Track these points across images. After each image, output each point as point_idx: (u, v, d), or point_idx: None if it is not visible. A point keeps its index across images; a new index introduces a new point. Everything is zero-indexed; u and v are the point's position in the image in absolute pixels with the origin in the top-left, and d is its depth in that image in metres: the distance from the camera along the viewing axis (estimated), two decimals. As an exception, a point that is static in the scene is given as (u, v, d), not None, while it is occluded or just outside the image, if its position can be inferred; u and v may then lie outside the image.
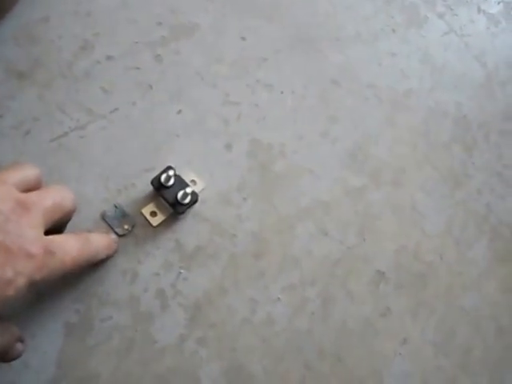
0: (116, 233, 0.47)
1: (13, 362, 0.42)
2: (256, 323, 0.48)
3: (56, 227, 0.39)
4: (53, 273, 0.36)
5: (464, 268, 0.53)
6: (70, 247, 0.37)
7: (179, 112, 0.51)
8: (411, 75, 0.59)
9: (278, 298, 0.49)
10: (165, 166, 0.47)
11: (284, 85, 0.55)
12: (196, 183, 0.49)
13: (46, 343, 0.44)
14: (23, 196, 0.36)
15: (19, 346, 0.39)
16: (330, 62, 0.57)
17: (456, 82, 0.60)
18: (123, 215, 0.47)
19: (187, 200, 0.46)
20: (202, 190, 0.49)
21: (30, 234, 0.35)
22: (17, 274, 0.33)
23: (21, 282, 0.33)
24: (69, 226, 0.43)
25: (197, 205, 0.48)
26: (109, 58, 0.51)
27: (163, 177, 0.46)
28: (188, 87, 0.52)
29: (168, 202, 0.46)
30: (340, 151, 0.54)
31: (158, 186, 0.46)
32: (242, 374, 0.46)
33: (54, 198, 0.38)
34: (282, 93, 0.55)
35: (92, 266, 0.44)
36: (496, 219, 0.56)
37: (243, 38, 0.56)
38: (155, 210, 0.48)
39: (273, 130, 0.53)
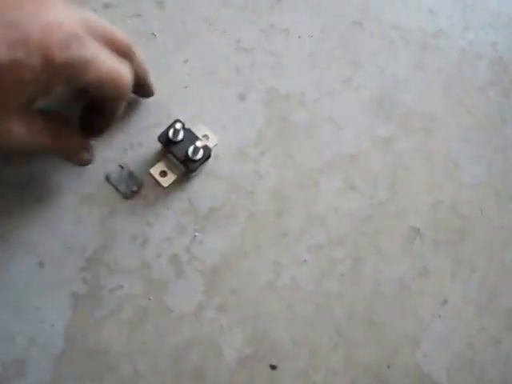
0: (122, 195, 0.43)
1: (18, 338, 0.40)
2: (280, 288, 0.44)
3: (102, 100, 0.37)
4: (75, 66, 0.32)
5: (506, 221, 0.49)
6: (103, 57, 0.34)
7: (186, 61, 0.47)
8: (441, 14, 0.54)
9: (304, 260, 0.45)
10: (172, 121, 0.42)
11: (301, 29, 0.50)
12: (208, 138, 0.45)
13: (52, 316, 0.41)
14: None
15: (84, 155, 0.40)
16: (351, 2, 0.52)
17: (491, 20, 0.55)
18: (130, 176, 0.43)
19: (199, 155, 0.42)
20: (216, 145, 0.45)
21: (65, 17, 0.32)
22: (28, 55, 0.30)
23: (34, 61, 0.30)
24: (73, 188, 0.39)
25: (210, 161, 0.44)
26: (106, 5, 0.47)
27: (171, 131, 0.42)
28: (195, 34, 0.48)
29: (178, 159, 0.42)
30: (364, 99, 0.50)
31: (166, 142, 0.42)
32: (267, 343, 0.43)
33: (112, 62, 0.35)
34: (299, 37, 0.50)
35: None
36: (539, 167, 0.51)
37: (253, -21, 0.51)
38: (165, 169, 0.44)
39: (290, 78, 0.49)
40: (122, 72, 0.36)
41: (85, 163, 0.40)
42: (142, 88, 0.42)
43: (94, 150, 0.41)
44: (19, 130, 0.33)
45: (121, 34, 0.37)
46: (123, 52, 0.37)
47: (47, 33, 0.31)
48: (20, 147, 0.34)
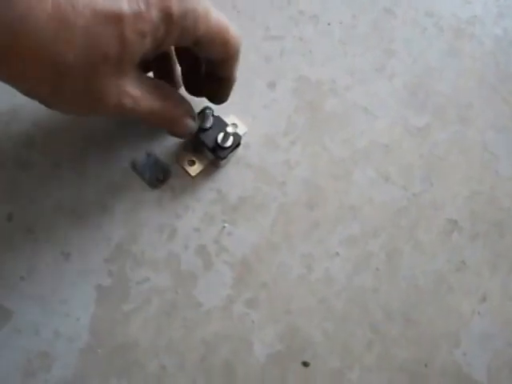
0: (149, 184, 0.41)
1: (43, 331, 0.38)
2: (312, 281, 0.42)
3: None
4: (189, 18, 0.31)
5: (546, 214, 0.47)
6: (215, 13, 0.33)
7: (215, 48, 0.45)
8: (475, 1, 0.52)
9: (337, 253, 0.43)
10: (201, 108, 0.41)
11: (331, 15, 0.49)
12: (237, 127, 0.43)
13: (77, 309, 0.39)
14: None
15: (189, 121, 0.38)
16: (382, -12, 0.51)
17: (526, 7, 0.53)
18: (156, 164, 0.42)
19: (229, 142, 0.40)
20: (245, 133, 0.43)
21: None
22: (148, 7, 0.29)
23: (153, 13, 0.30)
24: (98, 176, 0.38)
25: (239, 150, 0.43)
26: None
27: (200, 118, 0.40)
28: (223, 21, 0.46)
29: (207, 146, 0.41)
30: (398, 87, 0.48)
31: (195, 129, 0.41)
32: (300, 339, 0.41)
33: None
34: (328, 24, 0.49)
35: None
36: None
37: (282, -35, 0.49)
38: (193, 158, 0.42)
39: (321, 66, 0.47)
40: (232, 29, 0.35)
41: (189, 131, 0.39)
42: (223, 95, 0.41)
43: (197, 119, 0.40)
44: (134, 91, 0.32)
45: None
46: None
47: None
48: (130, 111, 0.33)
